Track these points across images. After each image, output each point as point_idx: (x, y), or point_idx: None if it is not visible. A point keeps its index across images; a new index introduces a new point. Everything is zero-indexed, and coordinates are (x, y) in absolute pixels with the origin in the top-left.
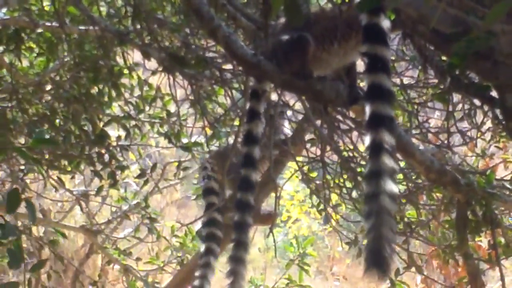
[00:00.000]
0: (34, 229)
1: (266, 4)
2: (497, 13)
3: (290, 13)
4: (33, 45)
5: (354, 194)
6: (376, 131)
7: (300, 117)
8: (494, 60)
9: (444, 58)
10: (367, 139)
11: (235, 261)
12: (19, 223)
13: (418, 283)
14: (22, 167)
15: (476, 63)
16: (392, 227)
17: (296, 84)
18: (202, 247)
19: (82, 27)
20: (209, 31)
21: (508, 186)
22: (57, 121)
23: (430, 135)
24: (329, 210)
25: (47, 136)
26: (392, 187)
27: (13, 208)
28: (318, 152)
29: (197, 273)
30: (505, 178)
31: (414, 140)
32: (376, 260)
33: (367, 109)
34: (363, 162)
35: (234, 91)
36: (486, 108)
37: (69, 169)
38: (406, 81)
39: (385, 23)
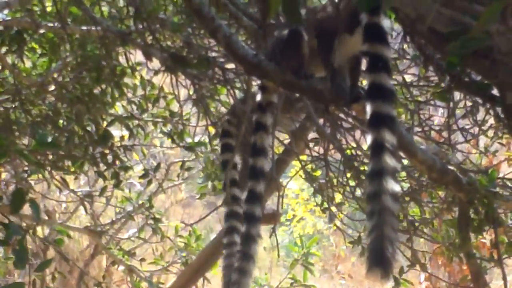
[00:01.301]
0: (39, 230)
1: (264, 3)
2: (491, 14)
3: (288, 12)
4: (36, 46)
5: (358, 192)
6: (378, 130)
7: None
8: (493, 58)
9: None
10: (369, 139)
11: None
12: (24, 224)
13: (421, 281)
14: (26, 168)
15: (475, 61)
16: (394, 226)
17: (297, 84)
18: (225, 225)
19: (84, 28)
20: (210, 32)
21: (510, 184)
22: (60, 121)
23: (433, 133)
24: (333, 208)
25: (49, 138)
26: (394, 186)
27: (18, 208)
28: (321, 151)
29: (224, 251)
30: (508, 176)
31: (416, 138)
32: (379, 260)
33: (368, 109)
34: (366, 160)
35: (236, 90)
36: (488, 105)
37: (72, 169)
38: (408, 78)
39: (385, 23)
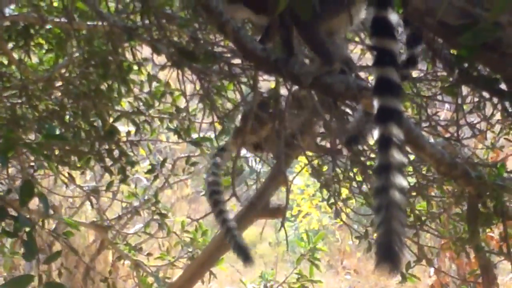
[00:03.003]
0: (45, 224)
1: None
2: (502, 5)
3: (298, 6)
4: (42, 41)
5: (364, 187)
6: (385, 125)
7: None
8: (502, 52)
9: (452, 51)
10: (376, 133)
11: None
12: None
13: (431, 274)
14: (33, 164)
15: (484, 55)
16: (402, 221)
17: (305, 78)
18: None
19: (90, 23)
20: (218, 26)
21: None
22: (67, 117)
23: (439, 128)
24: (339, 204)
25: (57, 132)
26: (401, 181)
27: (26, 201)
28: (328, 146)
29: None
30: None
31: (423, 133)
32: (387, 255)
33: (376, 103)
34: (373, 156)
35: (243, 86)
36: (495, 100)
37: (79, 165)
38: (415, 74)
39: (393, 17)
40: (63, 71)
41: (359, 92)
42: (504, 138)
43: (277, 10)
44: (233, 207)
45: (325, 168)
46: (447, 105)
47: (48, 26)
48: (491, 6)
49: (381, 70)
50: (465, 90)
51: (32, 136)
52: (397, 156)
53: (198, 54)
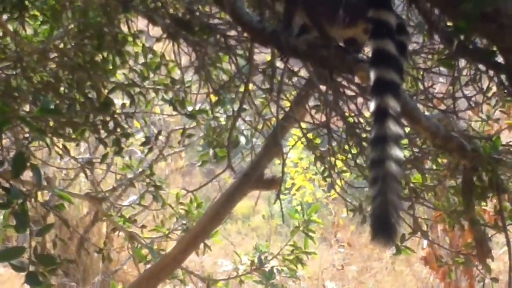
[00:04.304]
0: (39, 196)
1: None
2: None
3: None
4: (37, 13)
5: (359, 160)
6: (381, 96)
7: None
8: (500, 22)
9: (449, 23)
10: (372, 105)
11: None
12: (24, 190)
13: (424, 246)
14: (27, 135)
15: (482, 25)
16: (398, 192)
17: (301, 51)
18: None
19: None
20: None
21: None
22: (62, 88)
23: (435, 101)
24: (334, 176)
25: (52, 105)
26: (398, 152)
27: (19, 172)
28: (323, 118)
29: None
30: (510, 143)
31: (419, 106)
32: (383, 227)
33: (372, 75)
34: (368, 128)
35: (238, 58)
36: (491, 73)
37: (73, 136)
38: (411, 46)
39: None
40: (58, 42)
41: (355, 65)
42: (500, 111)
43: None
44: (227, 179)
45: (318, 140)
46: (440, 78)
47: None
48: None
49: (378, 42)
50: (461, 63)
51: (27, 108)
52: (393, 127)
53: (193, 26)
